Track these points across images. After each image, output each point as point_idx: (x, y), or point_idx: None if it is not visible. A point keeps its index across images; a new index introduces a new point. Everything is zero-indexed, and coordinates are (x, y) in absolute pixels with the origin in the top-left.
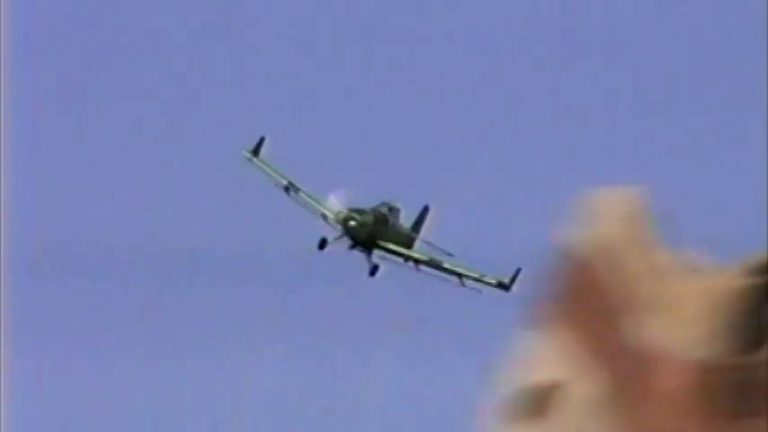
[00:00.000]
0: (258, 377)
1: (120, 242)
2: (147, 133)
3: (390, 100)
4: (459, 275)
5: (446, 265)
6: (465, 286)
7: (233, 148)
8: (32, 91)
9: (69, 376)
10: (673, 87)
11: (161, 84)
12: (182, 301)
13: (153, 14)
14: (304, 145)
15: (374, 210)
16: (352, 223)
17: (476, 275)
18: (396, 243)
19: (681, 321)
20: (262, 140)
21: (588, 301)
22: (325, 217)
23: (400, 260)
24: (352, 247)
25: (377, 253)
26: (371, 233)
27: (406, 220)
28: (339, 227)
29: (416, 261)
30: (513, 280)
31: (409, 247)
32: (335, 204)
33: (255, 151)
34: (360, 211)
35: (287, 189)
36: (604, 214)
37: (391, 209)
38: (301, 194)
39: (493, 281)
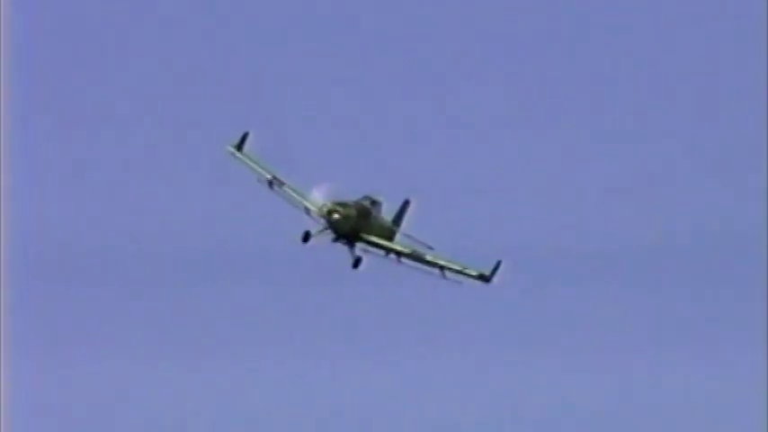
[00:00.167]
0: (245, 371)
1: (106, 242)
2: (131, 129)
3: (371, 93)
4: (441, 267)
5: (428, 258)
6: (446, 278)
7: (217, 142)
8: (32, 91)
9: (69, 377)
10: (668, 87)
11: (147, 81)
12: (166, 297)
13: (136, 13)
14: (287, 139)
15: (357, 203)
16: (336, 216)
17: (457, 267)
18: (378, 236)
19: None
20: (245, 135)
21: None
22: (308, 210)
23: (382, 253)
24: (336, 239)
25: (359, 246)
26: (354, 226)
27: (387, 214)
28: (322, 220)
29: (398, 254)
30: (493, 272)
31: (391, 239)
32: (319, 198)
33: (239, 146)
34: (343, 205)
35: (270, 183)
36: None
37: (374, 202)
38: (285, 188)
39: (474, 273)
